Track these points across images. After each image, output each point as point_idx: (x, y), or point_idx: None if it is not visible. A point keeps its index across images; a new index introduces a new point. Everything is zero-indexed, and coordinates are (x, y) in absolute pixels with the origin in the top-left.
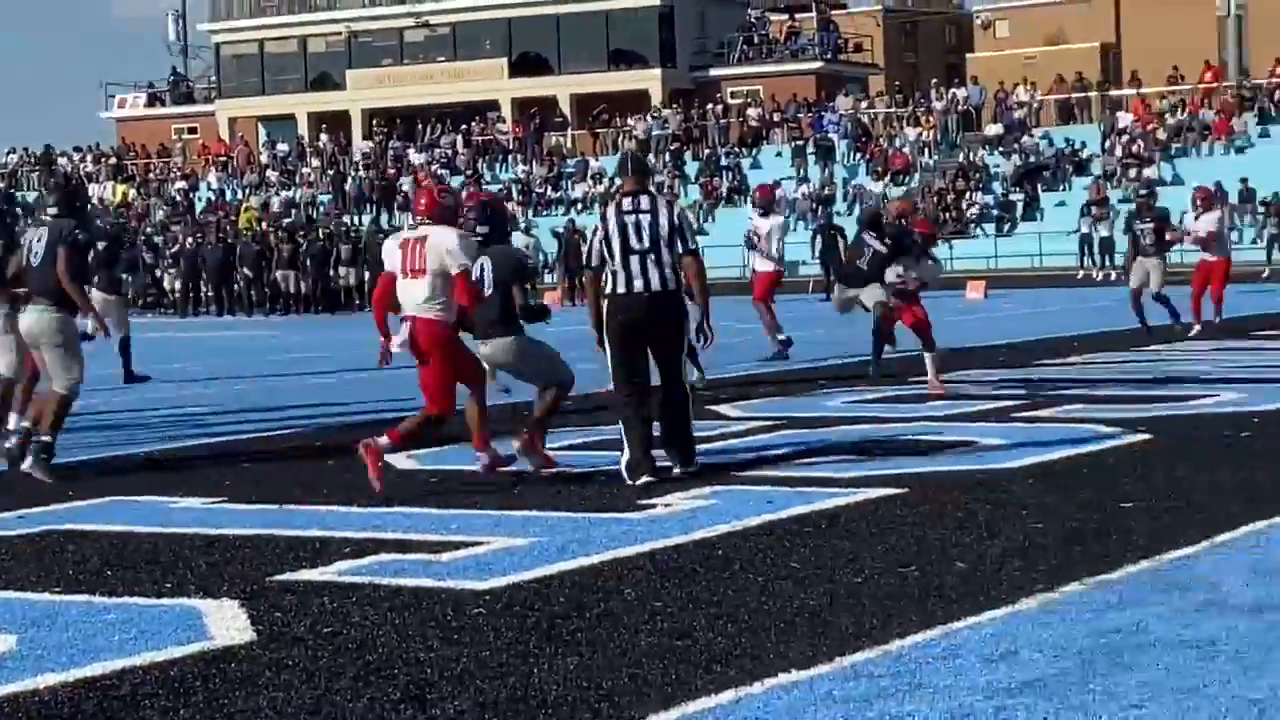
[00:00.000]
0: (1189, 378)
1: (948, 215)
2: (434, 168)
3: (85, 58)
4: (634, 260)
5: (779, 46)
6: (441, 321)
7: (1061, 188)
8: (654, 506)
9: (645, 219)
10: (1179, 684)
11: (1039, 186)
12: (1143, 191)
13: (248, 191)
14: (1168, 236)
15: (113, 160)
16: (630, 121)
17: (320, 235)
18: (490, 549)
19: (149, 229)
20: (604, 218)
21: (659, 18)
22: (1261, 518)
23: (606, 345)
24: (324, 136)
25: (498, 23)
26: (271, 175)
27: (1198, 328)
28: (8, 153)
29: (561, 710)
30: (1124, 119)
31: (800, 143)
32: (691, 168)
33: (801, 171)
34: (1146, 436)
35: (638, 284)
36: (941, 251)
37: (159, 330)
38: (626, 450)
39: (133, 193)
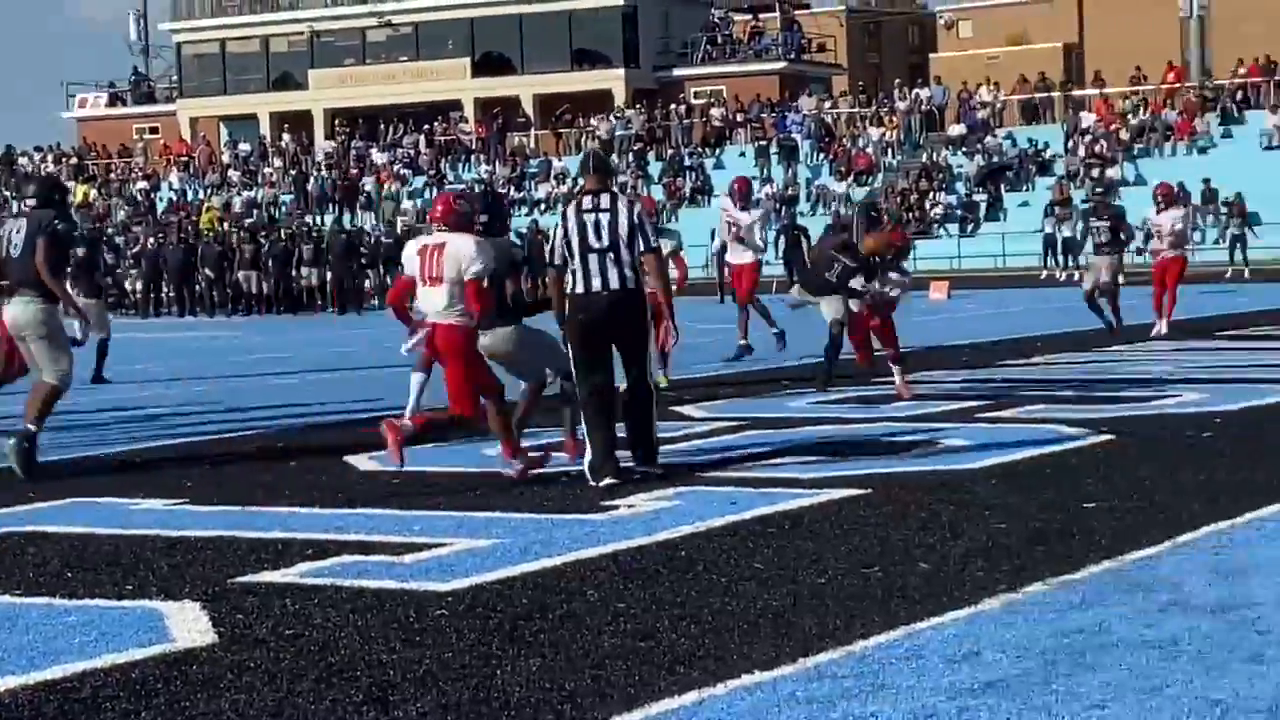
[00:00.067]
0: (1151, 378)
1: (911, 216)
2: (396, 168)
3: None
4: (593, 259)
5: (742, 46)
6: (460, 327)
7: (1025, 188)
8: (617, 508)
9: (605, 218)
10: (1141, 684)
11: (1002, 187)
12: (1099, 190)
13: (209, 192)
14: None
15: (74, 160)
16: (593, 122)
17: (282, 235)
18: (453, 550)
19: (110, 229)
20: (564, 216)
21: (622, 18)
22: (1224, 518)
23: (568, 345)
24: (286, 136)
25: (460, 22)
26: (233, 175)
27: (1162, 324)
28: None
29: (524, 712)
30: (1087, 119)
31: (763, 143)
32: (655, 168)
33: (765, 172)
34: (1109, 437)
35: (596, 283)
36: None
37: (120, 331)
38: (589, 451)
39: (94, 193)
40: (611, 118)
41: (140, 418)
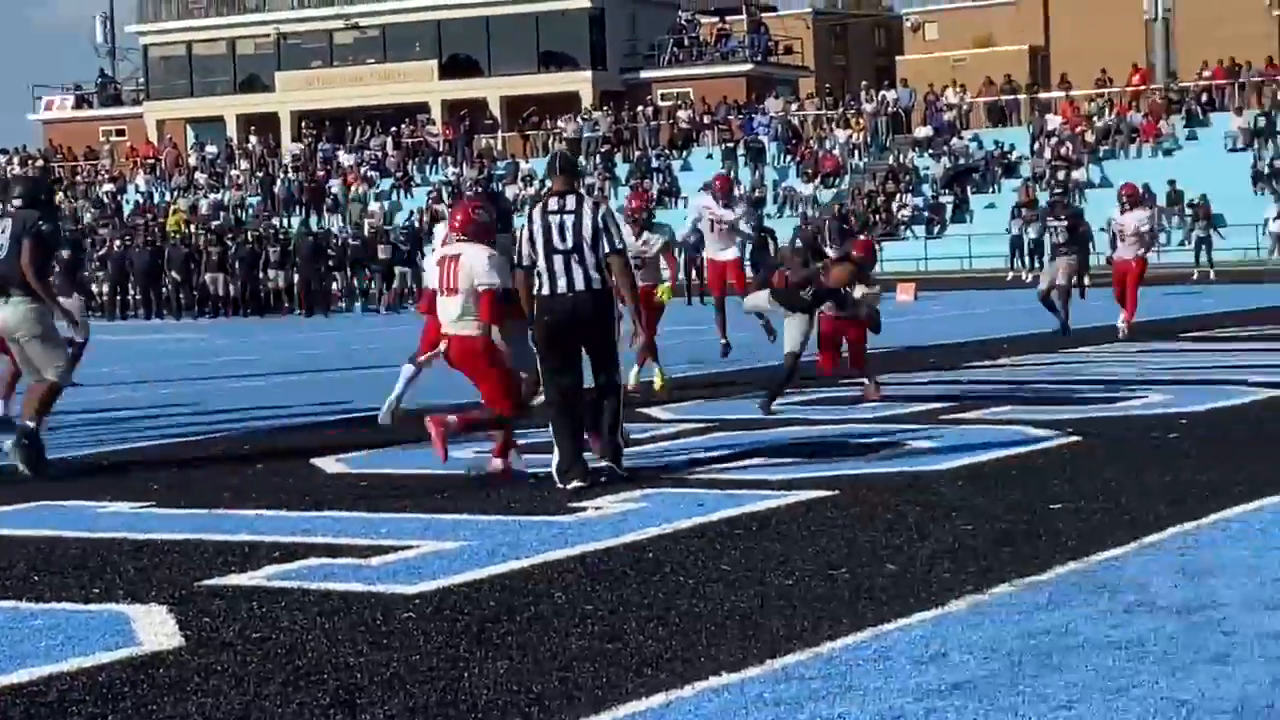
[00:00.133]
0: (1117, 379)
1: (878, 217)
2: (363, 170)
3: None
4: (558, 260)
5: (709, 49)
6: (474, 336)
7: (991, 190)
8: (584, 509)
9: (569, 219)
10: (1107, 685)
11: (968, 189)
12: (1057, 191)
13: (176, 194)
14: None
15: (40, 163)
16: (560, 123)
17: (249, 238)
18: (420, 553)
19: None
20: (530, 218)
21: (589, 20)
22: (1189, 519)
23: (534, 346)
24: (253, 138)
25: (427, 25)
26: (200, 177)
27: (1122, 325)
28: None
29: (492, 714)
30: (1053, 121)
31: (731, 145)
32: (622, 170)
33: (732, 173)
34: (1075, 438)
35: (561, 284)
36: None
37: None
38: (556, 453)
39: (60, 195)
40: (579, 119)
41: (107, 420)
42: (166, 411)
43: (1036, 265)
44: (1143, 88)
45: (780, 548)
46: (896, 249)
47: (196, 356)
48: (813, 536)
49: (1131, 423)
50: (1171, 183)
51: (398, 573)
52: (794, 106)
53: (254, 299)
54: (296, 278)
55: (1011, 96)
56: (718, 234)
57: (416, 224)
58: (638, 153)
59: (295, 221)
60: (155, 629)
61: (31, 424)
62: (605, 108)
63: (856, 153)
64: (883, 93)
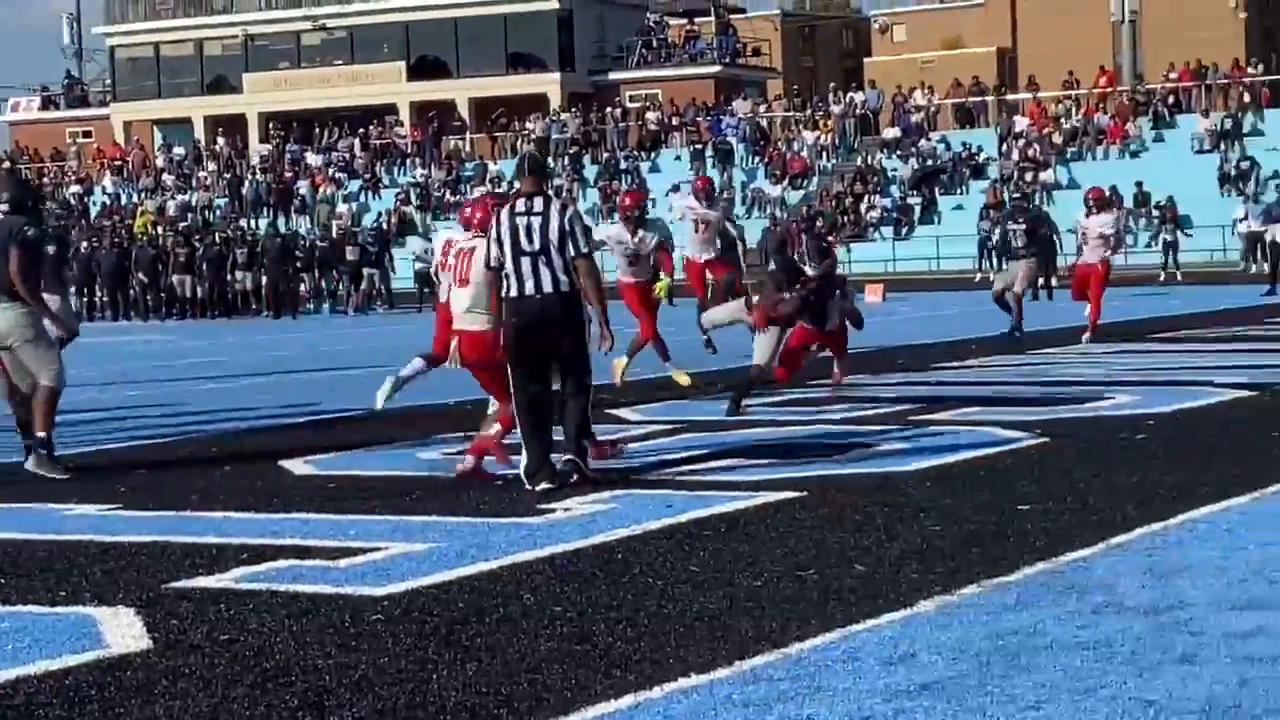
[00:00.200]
0: (1085, 380)
1: (846, 219)
2: (331, 171)
3: None
4: (525, 262)
5: (677, 50)
6: (484, 331)
7: (959, 191)
8: (553, 511)
9: (536, 221)
10: (1076, 685)
11: (936, 190)
12: (1015, 195)
13: (143, 195)
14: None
15: (6, 164)
16: (529, 123)
17: (216, 239)
18: (389, 554)
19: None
20: (498, 219)
21: (557, 21)
22: (1157, 519)
23: (504, 348)
24: (220, 140)
25: (395, 26)
26: (167, 179)
27: (1085, 333)
28: None
29: (460, 716)
30: (1020, 123)
31: (699, 146)
32: (590, 171)
33: (700, 175)
34: (1043, 439)
35: (529, 286)
36: (839, 255)
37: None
38: (525, 455)
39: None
40: (547, 120)
41: (74, 422)
42: (134, 413)
43: (1002, 267)
44: (1110, 90)
45: (749, 549)
46: (865, 250)
47: (164, 358)
48: (781, 538)
49: (1099, 424)
50: (1138, 184)
51: (366, 574)
52: (762, 108)
53: (221, 300)
54: (264, 279)
55: (979, 98)
56: (701, 234)
57: (384, 225)
58: (606, 154)
59: (263, 223)
60: (123, 631)
61: (43, 434)
62: (573, 109)
63: (824, 154)
64: (851, 94)
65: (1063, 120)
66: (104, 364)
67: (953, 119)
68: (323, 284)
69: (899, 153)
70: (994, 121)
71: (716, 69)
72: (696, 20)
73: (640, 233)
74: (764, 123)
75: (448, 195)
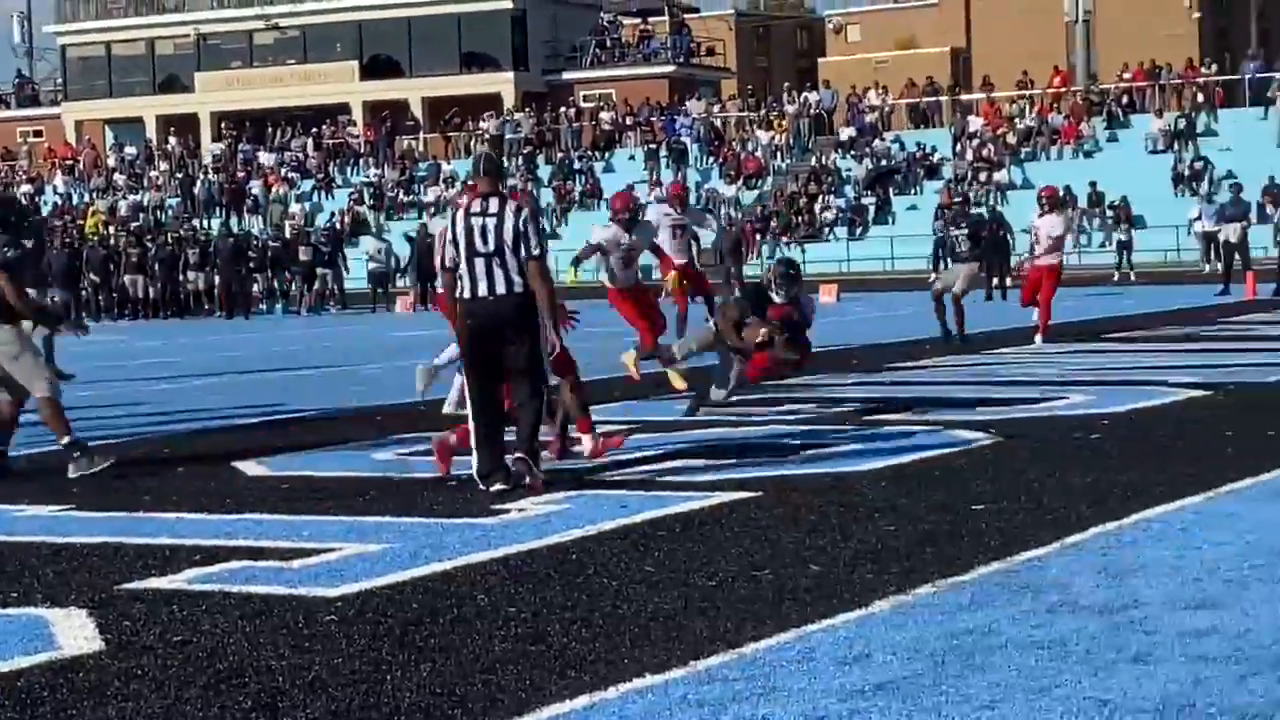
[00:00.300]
0: (1039, 380)
1: (800, 219)
2: (284, 171)
3: None
4: (479, 263)
5: (631, 50)
6: None
7: (913, 191)
8: (508, 511)
9: (491, 222)
10: (1030, 684)
11: (891, 190)
12: (957, 200)
13: (95, 195)
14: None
15: None
16: (483, 123)
17: (169, 239)
18: (342, 555)
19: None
20: (453, 220)
21: (511, 21)
22: (1112, 519)
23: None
24: (172, 139)
25: (348, 25)
26: (119, 179)
27: (1037, 335)
28: None
29: (415, 717)
30: (974, 123)
31: (653, 146)
32: (544, 171)
33: (654, 175)
34: (997, 439)
35: (482, 287)
36: (794, 255)
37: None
38: (477, 457)
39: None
40: (501, 120)
41: (25, 423)
42: (86, 414)
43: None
44: (1064, 90)
45: (704, 549)
46: (819, 250)
47: (116, 358)
48: (736, 538)
49: (1054, 423)
50: (1092, 184)
51: (320, 575)
52: (716, 108)
53: (174, 301)
54: (217, 279)
55: (933, 98)
56: (679, 240)
57: (338, 225)
58: (560, 154)
59: (215, 223)
60: (75, 633)
61: (69, 437)
62: (527, 109)
63: (779, 154)
64: (805, 94)
65: (1017, 120)
66: (56, 364)
67: (907, 119)
68: (276, 284)
69: (853, 153)
70: (948, 121)
71: (671, 69)
72: (650, 20)
73: (632, 235)
74: (718, 123)
75: (401, 195)
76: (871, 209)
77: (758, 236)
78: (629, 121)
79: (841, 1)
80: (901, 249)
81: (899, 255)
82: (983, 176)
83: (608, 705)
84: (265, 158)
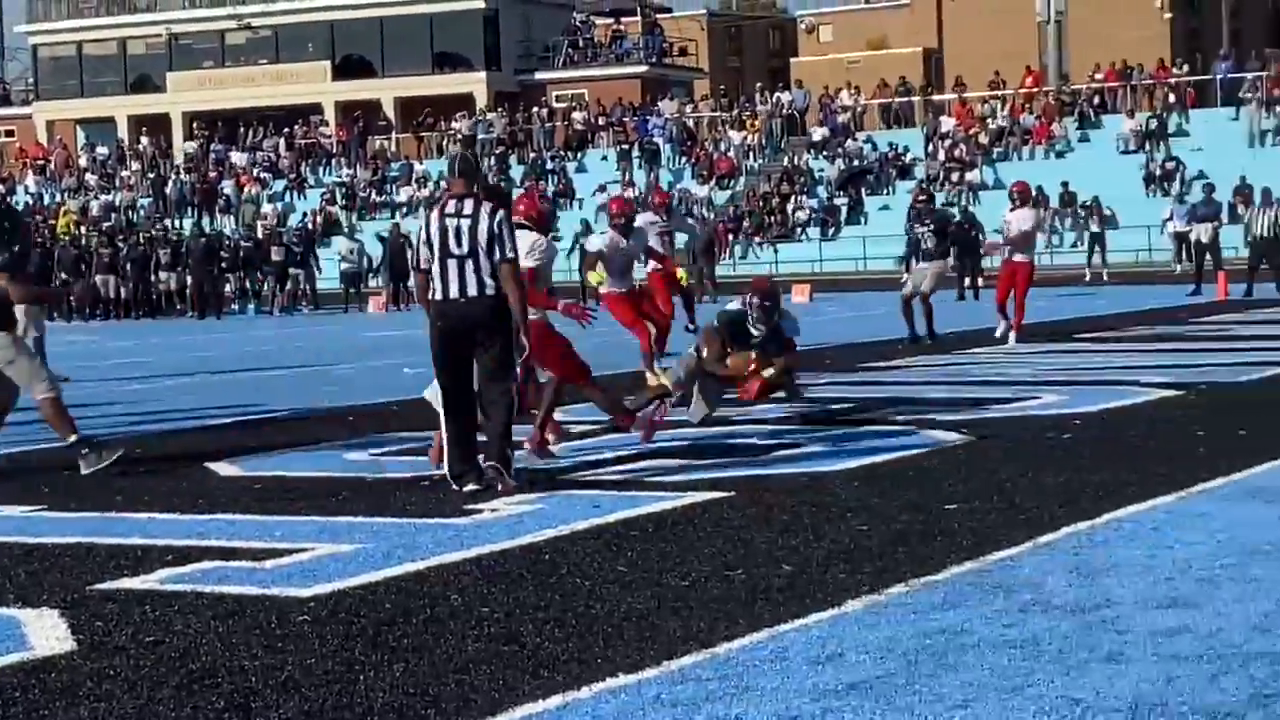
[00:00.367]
0: (1011, 380)
1: (773, 219)
2: (256, 171)
3: None
4: (452, 265)
5: (604, 50)
6: (535, 322)
7: (886, 191)
8: (480, 511)
9: (465, 223)
10: (1003, 684)
11: (863, 190)
12: (922, 198)
13: (66, 195)
14: (983, 250)
15: None
16: (455, 123)
17: (140, 239)
18: (315, 555)
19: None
20: (427, 220)
21: (483, 21)
22: (1084, 518)
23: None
24: (144, 139)
25: (320, 25)
26: (90, 179)
27: (1010, 333)
28: None
29: (388, 717)
30: (947, 123)
31: (626, 146)
32: (517, 171)
33: (627, 175)
34: (970, 439)
35: (454, 289)
36: (766, 255)
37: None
38: (447, 457)
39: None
40: (473, 119)
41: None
42: None
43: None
44: (1035, 90)
45: (676, 549)
46: (791, 250)
47: (87, 359)
48: (709, 538)
49: (1026, 423)
50: (1064, 184)
51: (292, 576)
52: (689, 108)
53: (146, 301)
54: (189, 280)
55: (906, 98)
56: (664, 247)
57: (310, 225)
58: (533, 154)
59: (187, 223)
60: (47, 633)
61: (74, 435)
62: (500, 109)
63: (751, 154)
64: (777, 94)
65: (989, 120)
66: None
67: (879, 119)
68: (248, 284)
69: (826, 153)
70: (920, 122)
71: (643, 69)
72: (623, 20)
73: (630, 240)
74: (691, 123)
75: (373, 195)
76: (844, 209)
77: (730, 237)
78: (601, 122)
79: (814, 2)
80: (874, 249)
81: (872, 255)
82: (955, 177)
83: (581, 705)
84: (237, 158)
